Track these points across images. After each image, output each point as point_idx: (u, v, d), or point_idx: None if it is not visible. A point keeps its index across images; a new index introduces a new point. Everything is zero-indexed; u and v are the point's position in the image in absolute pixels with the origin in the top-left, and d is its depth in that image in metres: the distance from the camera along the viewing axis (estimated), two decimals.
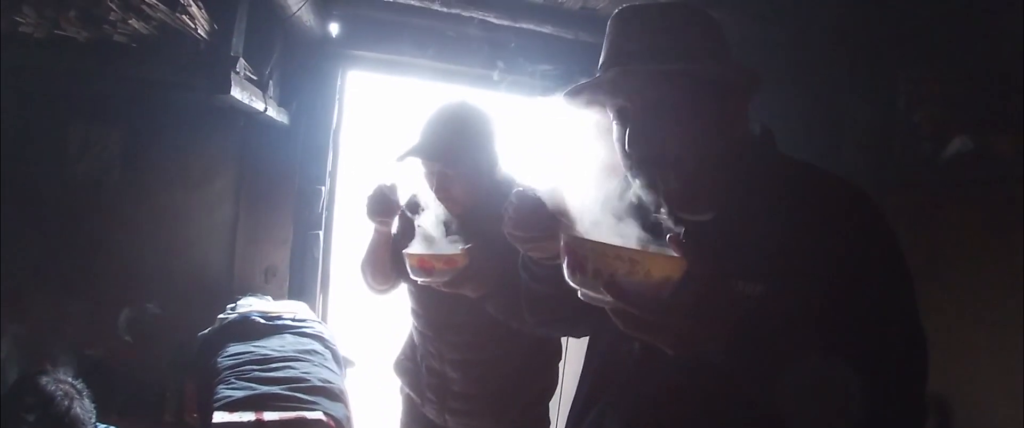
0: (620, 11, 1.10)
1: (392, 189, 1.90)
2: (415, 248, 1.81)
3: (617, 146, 1.07)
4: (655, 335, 0.82)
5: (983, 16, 2.19)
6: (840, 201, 1.00)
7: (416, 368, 2.06)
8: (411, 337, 2.12)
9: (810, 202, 0.98)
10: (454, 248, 1.72)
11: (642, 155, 1.01)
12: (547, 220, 1.07)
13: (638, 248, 0.87)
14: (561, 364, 2.14)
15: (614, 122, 1.07)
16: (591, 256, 0.83)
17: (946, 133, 2.23)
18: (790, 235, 0.94)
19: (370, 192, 1.90)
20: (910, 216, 2.46)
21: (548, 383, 2.07)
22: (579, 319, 1.25)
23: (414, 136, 1.86)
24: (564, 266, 0.88)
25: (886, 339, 0.93)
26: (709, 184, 1.03)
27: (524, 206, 1.12)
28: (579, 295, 0.87)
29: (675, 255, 0.80)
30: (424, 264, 1.71)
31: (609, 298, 0.81)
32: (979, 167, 2.15)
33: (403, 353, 2.15)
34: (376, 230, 1.96)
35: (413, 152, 1.82)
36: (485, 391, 1.93)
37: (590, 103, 1.11)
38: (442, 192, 1.85)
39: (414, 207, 1.95)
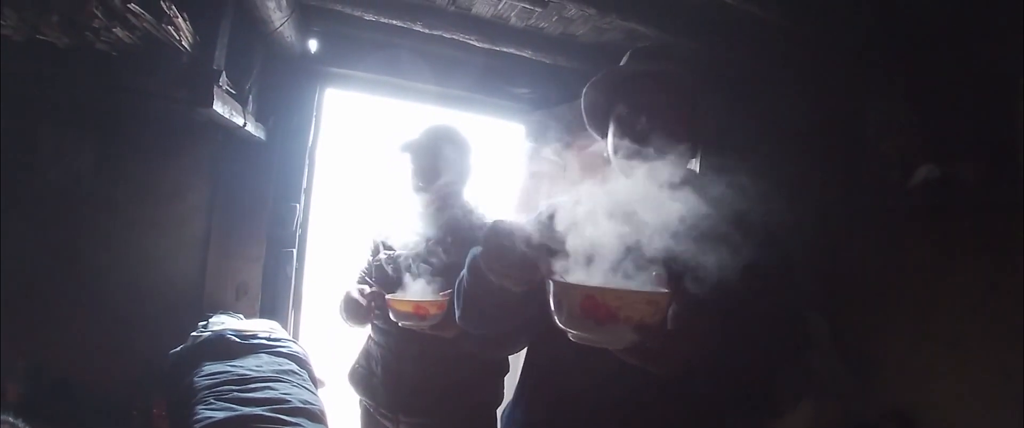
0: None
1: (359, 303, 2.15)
2: (402, 294, 2.01)
3: (620, 132, 1.34)
4: (661, 362, 0.98)
5: (949, 48, 2.29)
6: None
7: (370, 373, 2.29)
8: (366, 347, 2.37)
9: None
10: (435, 294, 1.97)
11: (648, 131, 1.28)
12: (524, 253, 1.13)
13: (651, 289, 1.02)
14: (507, 378, 2.35)
15: (622, 114, 1.35)
16: (622, 305, 0.92)
17: (913, 161, 2.31)
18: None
19: (345, 299, 2.22)
20: (877, 240, 2.53)
21: (495, 391, 2.29)
22: (519, 338, 1.44)
23: (406, 143, 2.27)
24: (570, 315, 0.96)
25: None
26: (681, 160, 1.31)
27: (501, 238, 1.16)
28: (572, 337, 0.98)
29: (665, 290, 0.98)
30: (420, 310, 1.90)
31: (628, 341, 0.94)
32: (944, 194, 2.22)
33: (357, 362, 2.38)
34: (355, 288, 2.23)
35: (411, 147, 2.24)
36: (436, 386, 2.14)
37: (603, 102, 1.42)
38: (426, 184, 2.22)
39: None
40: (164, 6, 2.07)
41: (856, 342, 2.60)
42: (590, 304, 0.93)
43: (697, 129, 1.35)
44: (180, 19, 2.14)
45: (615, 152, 1.36)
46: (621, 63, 1.46)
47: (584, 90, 1.45)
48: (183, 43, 2.17)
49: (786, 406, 1.23)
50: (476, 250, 1.28)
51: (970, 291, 2.21)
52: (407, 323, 1.94)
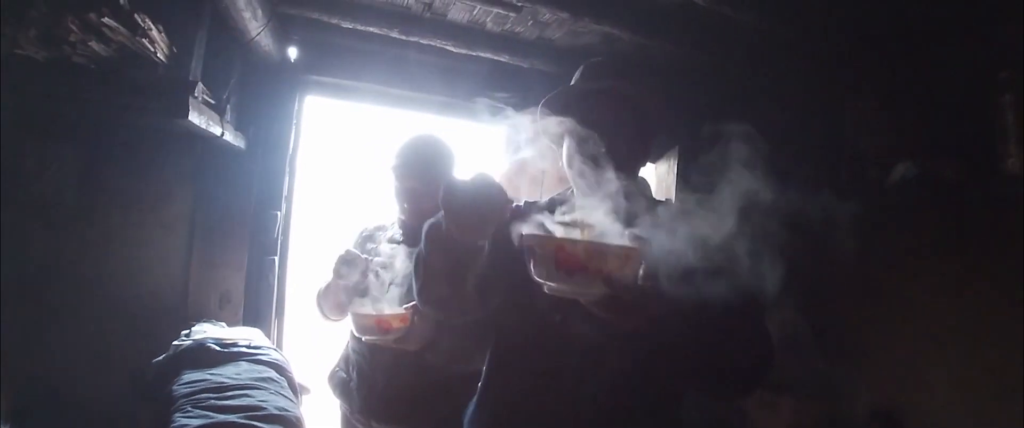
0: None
1: (357, 255, 2.13)
2: (365, 308, 2.00)
3: (574, 145, 1.41)
4: (629, 315, 1.02)
5: (927, 46, 2.32)
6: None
7: (347, 377, 2.32)
8: (345, 352, 2.40)
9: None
10: (398, 308, 1.95)
11: (599, 146, 1.36)
12: (488, 209, 1.20)
13: (621, 244, 1.05)
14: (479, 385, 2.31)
15: (577, 128, 1.41)
16: (588, 257, 0.98)
17: (891, 159, 2.35)
18: None
19: (341, 254, 2.15)
20: (856, 238, 2.56)
21: (467, 399, 2.23)
22: (482, 346, 1.58)
23: (390, 158, 2.25)
24: (545, 267, 1.01)
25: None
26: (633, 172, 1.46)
27: (458, 191, 1.21)
28: (546, 290, 1.03)
29: (634, 246, 1.03)
30: (382, 323, 1.88)
31: (599, 292, 0.99)
32: (923, 192, 2.25)
33: (337, 366, 2.43)
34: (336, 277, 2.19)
35: (400, 168, 2.22)
36: (407, 396, 2.15)
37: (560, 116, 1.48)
38: (412, 205, 2.23)
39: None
40: (139, 19, 2.09)
41: (840, 342, 2.63)
42: (562, 255, 0.99)
43: (648, 143, 1.46)
44: (155, 31, 2.16)
45: (569, 167, 1.45)
46: (574, 79, 1.56)
47: (538, 108, 1.54)
48: (158, 55, 2.20)
49: (748, 386, 1.30)
50: (433, 219, 1.34)
51: (950, 289, 2.24)
52: (370, 337, 1.94)
